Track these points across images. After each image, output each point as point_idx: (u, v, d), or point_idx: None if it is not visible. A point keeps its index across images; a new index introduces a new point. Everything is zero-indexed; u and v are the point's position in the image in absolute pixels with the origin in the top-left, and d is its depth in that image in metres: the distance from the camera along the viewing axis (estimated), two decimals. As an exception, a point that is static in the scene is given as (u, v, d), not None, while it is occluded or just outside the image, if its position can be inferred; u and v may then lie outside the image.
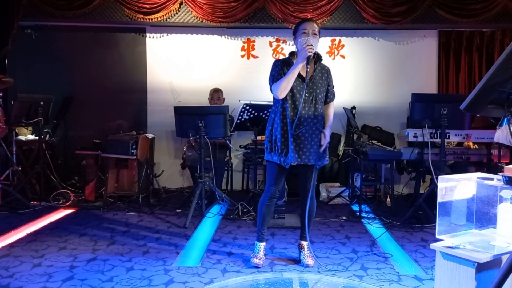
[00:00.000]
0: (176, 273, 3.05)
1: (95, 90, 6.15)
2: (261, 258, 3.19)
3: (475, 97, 1.55)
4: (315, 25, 3.08)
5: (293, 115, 3.04)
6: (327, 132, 3.13)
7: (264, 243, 3.28)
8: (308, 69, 3.00)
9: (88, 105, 6.12)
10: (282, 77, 3.02)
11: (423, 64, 6.13)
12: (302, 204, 3.24)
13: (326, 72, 3.17)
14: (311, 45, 2.96)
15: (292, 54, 3.16)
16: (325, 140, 3.11)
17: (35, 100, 5.00)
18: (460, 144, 5.00)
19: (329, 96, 3.20)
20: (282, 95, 3.02)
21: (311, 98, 3.07)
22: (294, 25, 5.81)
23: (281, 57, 6.03)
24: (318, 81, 3.10)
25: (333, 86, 3.23)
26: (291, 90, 3.04)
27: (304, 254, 3.25)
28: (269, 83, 3.13)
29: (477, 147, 4.91)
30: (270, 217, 3.31)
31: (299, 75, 3.05)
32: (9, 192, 4.81)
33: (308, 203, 3.19)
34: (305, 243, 3.29)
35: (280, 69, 3.08)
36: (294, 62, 3.05)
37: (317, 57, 3.13)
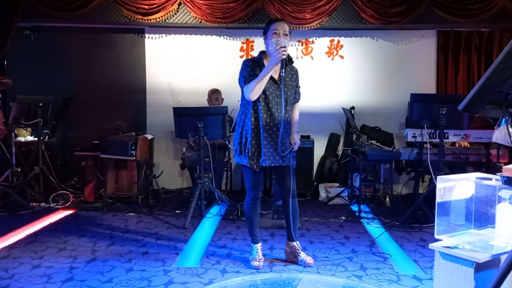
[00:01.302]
0: (176, 273, 3.06)
1: (94, 91, 6.15)
2: (260, 259, 3.19)
3: (473, 97, 1.55)
4: (286, 25, 3.04)
5: (266, 118, 3.04)
6: (296, 136, 3.18)
7: (260, 244, 3.28)
8: (283, 72, 2.96)
9: (87, 106, 6.12)
10: (254, 79, 2.99)
11: (422, 64, 6.14)
12: (284, 205, 3.25)
13: (295, 73, 3.19)
14: (284, 46, 2.93)
15: (262, 53, 3.13)
16: (297, 145, 3.15)
17: (34, 101, 5.01)
18: (455, 144, 5.01)
19: (295, 97, 3.21)
20: (254, 97, 3.01)
21: (282, 100, 3.06)
22: (293, 25, 5.86)
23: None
24: (288, 82, 3.11)
25: (300, 86, 3.24)
26: (264, 92, 3.02)
27: (301, 254, 3.25)
28: (240, 84, 3.10)
29: (467, 145, 4.92)
30: (259, 217, 3.32)
31: (272, 78, 3.04)
32: (8, 193, 4.81)
33: (293, 202, 3.20)
34: (296, 243, 3.27)
35: (251, 69, 3.05)
36: (266, 62, 3.04)
37: (288, 59, 3.09)
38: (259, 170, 3.10)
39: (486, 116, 4.04)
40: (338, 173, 5.89)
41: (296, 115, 3.26)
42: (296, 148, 3.17)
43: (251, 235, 3.27)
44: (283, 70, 2.96)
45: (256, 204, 3.22)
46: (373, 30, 6.08)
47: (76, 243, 3.72)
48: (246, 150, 3.09)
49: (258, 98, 3.03)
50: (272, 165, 3.09)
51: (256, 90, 2.97)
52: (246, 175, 3.20)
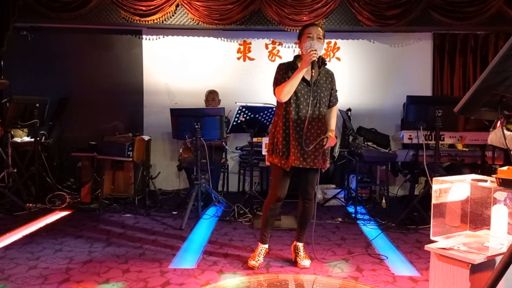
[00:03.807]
0: (172, 274, 3.06)
1: (91, 91, 6.14)
2: (258, 260, 3.20)
3: (469, 100, 1.56)
4: (319, 29, 3.08)
5: (297, 119, 3.05)
6: (332, 135, 3.12)
7: (266, 246, 3.29)
8: (313, 73, 3.00)
9: (84, 107, 6.11)
10: (285, 81, 3.04)
11: (418, 66, 6.16)
12: (301, 206, 3.27)
13: (330, 76, 3.19)
14: (315, 49, 2.97)
15: (296, 57, 3.17)
16: (329, 143, 3.09)
17: (31, 102, 4.99)
18: (452, 146, 5.03)
19: (332, 100, 3.22)
20: (285, 99, 3.04)
21: (315, 101, 3.08)
22: (290, 27, 5.89)
23: (277, 59, 6.07)
24: (322, 85, 3.12)
25: (336, 90, 3.26)
26: (295, 93, 3.04)
27: (300, 255, 3.27)
28: (273, 86, 3.14)
29: (460, 147, 4.94)
30: (274, 219, 3.34)
31: (304, 79, 3.06)
32: (4, 194, 4.79)
33: (308, 206, 3.25)
34: (300, 245, 3.31)
35: (284, 72, 3.10)
36: (299, 65, 3.07)
37: (322, 61, 3.13)
38: (289, 170, 3.09)
39: (481, 118, 4.07)
40: (335, 174, 5.90)
41: (331, 117, 3.21)
42: (329, 144, 3.09)
43: (261, 234, 3.30)
44: (313, 71, 2.99)
45: (276, 206, 3.21)
46: (369, 33, 6.10)
47: (73, 244, 3.72)
48: (277, 150, 3.11)
49: (290, 99, 3.05)
50: (301, 166, 3.08)
51: (286, 91, 3.00)
52: (274, 174, 3.21)
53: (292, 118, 3.05)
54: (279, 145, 3.10)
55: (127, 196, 5.11)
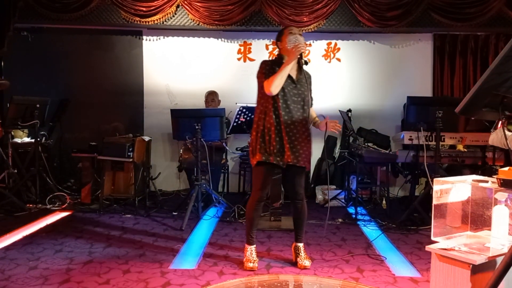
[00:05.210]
0: (173, 275, 3.05)
1: (92, 92, 6.15)
2: (254, 260, 3.20)
3: (470, 100, 1.56)
4: (298, 29, 3.24)
5: (285, 115, 3.07)
6: (323, 119, 3.18)
7: (255, 246, 3.29)
8: (298, 65, 3.09)
9: (85, 108, 6.12)
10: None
11: (418, 67, 6.17)
12: (294, 207, 3.28)
13: (309, 77, 3.27)
14: (303, 43, 3.06)
15: (280, 56, 3.19)
16: (329, 123, 3.14)
17: (31, 103, 4.99)
18: (453, 146, 5.02)
19: (311, 102, 3.27)
20: (275, 91, 3.04)
21: (299, 99, 3.13)
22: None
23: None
24: (304, 84, 3.16)
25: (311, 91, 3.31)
26: (282, 89, 3.07)
27: (300, 256, 3.26)
28: (259, 80, 3.12)
29: (465, 150, 4.94)
30: (259, 219, 3.35)
31: (289, 77, 3.09)
32: (4, 195, 4.79)
33: (300, 206, 3.26)
34: (301, 245, 3.31)
35: (270, 67, 3.10)
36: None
37: (305, 62, 3.16)
38: (284, 167, 3.10)
39: (482, 119, 4.07)
40: (335, 175, 5.90)
41: (313, 114, 3.30)
42: (329, 127, 3.16)
43: (248, 236, 3.28)
44: (302, 61, 3.07)
45: (260, 206, 3.22)
46: (370, 33, 6.11)
47: (73, 244, 3.71)
48: (271, 147, 3.08)
49: (278, 96, 3.07)
50: (293, 163, 3.10)
51: (277, 83, 3.02)
52: (258, 174, 3.17)
53: (281, 115, 3.06)
54: (273, 142, 3.08)
55: (127, 197, 5.11)
